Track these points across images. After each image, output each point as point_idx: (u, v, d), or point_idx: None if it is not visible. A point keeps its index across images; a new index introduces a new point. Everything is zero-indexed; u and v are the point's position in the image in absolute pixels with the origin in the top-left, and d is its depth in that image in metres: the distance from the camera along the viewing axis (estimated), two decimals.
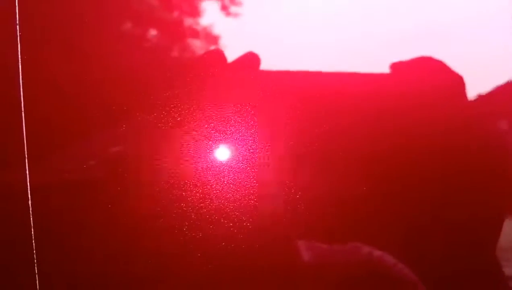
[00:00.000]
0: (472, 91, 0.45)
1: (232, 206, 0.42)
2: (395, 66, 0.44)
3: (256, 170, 0.43)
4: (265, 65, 0.44)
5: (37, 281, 0.42)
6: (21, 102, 0.42)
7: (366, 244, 0.43)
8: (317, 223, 0.43)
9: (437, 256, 0.44)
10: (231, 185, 0.43)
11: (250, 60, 0.44)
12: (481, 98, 0.45)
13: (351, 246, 0.43)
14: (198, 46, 0.45)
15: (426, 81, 0.45)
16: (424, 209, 0.44)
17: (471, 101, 0.44)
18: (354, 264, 0.43)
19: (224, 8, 0.45)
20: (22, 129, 0.42)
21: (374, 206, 0.43)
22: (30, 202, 0.42)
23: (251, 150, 0.43)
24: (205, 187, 0.43)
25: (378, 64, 0.44)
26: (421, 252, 0.43)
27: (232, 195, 0.43)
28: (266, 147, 0.43)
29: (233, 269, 0.42)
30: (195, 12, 0.46)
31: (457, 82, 0.44)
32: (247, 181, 0.43)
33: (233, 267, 0.42)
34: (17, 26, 0.42)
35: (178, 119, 0.43)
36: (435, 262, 0.44)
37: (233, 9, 0.45)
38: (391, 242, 0.43)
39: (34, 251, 0.42)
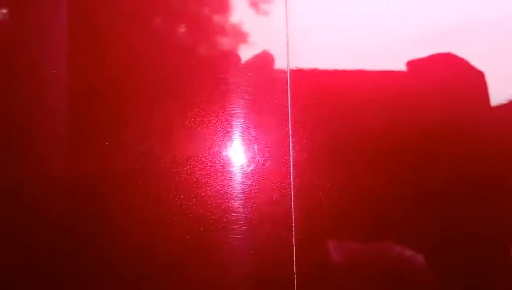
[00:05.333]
0: (497, 93, 0.45)
1: (262, 204, 0.42)
2: (415, 64, 0.44)
3: (284, 170, 0.42)
4: (293, 63, 0.44)
5: None
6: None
7: (397, 244, 0.42)
8: (349, 222, 0.42)
9: (466, 256, 0.43)
10: (261, 185, 0.42)
11: (265, 59, 0.44)
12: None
13: (382, 245, 0.42)
14: (226, 43, 0.45)
15: (448, 78, 0.45)
16: (453, 210, 0.43)
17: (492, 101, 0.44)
18: (385, 264, 0.42)
19: (254, 5, 0.45)
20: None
21: (405, 205, 0.43)
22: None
23: (278, 150, 0.43)
24: (231, 184, 0.42)
25: (400, 62, 0.45)
26: (451, 251, 0.43)
27: (259, 193, 0.42)
28: (293, 146, 0.43)
29: (275, 267, 0.42)
30: (225, 9, 0.46)
31: (479, 79, 0.44)
32: (277, 181, 0.42)
33: (274, 265, 0.42)
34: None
35: (205, 116, 0.43)
36: (464, 262, 0.43)
37: (262, 6, 0.45)
38: (422, 241, 0.43)
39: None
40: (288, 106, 0.43)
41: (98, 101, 0.43)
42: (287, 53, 0.43)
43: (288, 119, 0.43)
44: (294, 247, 0.41)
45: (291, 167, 0.42)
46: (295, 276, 0.41)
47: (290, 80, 0.43)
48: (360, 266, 0.42)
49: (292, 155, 0.42)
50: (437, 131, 0.44)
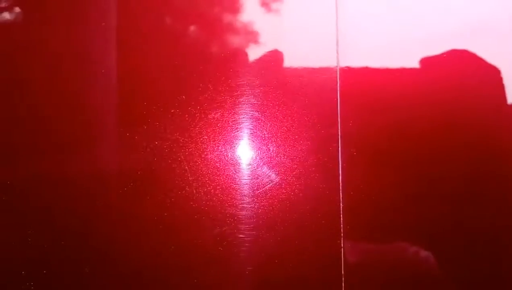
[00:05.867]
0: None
1: (278, 204, 0.41)
2: (430, 61, 0.44)
3: (302, 169, 0.42)
4: (304, 62, 0.44)
5: None
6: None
7: (412, 244, 0.42)
8: (364, 223, 0.42)
9: (482, 257, 0.43)
10: (276, 184, 0.42)
11: (275, 57, 0.43)
12: None
13: (397, 246, 0.42)
14: (237, 42, 0.45)
15: (463, 75, 0.44)
16: (470, 210, 0.43)
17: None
18: (400, 264, 0.42)
19: (265, 4, 0.45)
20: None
21: (421, 206, 0.42)
22: None
23: (297, 149, 0.42)
24: (247, 183, 0.42)
25: (416, 60, 0.44)
26: (467, 252, 0.43)
27: (278, 193, 0.42)
28: (311, 147, 0.42)
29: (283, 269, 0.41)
30: (235, 8, 0.45)
31: (495, 75, 0.44)
32: (294, 180, 0.42)
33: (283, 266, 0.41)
34: None
35: (215, 115, 0.42)
36: (480, 263, 0.43)
37: (273, 5, 0.45)
38: (438, 242, 0.42)
39: None
40: (337, 105, 0.42)
41: (110, 100, 0.42)
42: (337, 51, 0.43)
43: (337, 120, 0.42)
44: (342, 249, 0.41)
45: (340, 169, 0.42)
46: (342, 279, 0.41)
47: (339, 79, 0.43)
48: (376, 266, 0.42)
49: (340, 156, 0.42)
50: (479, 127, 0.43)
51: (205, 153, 0.42)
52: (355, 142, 0.42)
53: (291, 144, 0.42)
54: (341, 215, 0.41)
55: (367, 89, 0.43)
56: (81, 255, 0.40)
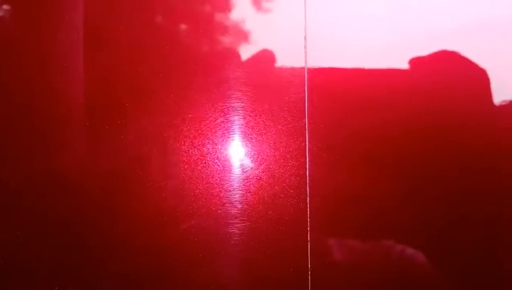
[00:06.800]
0: (500, 92, 0.45)
1: (256, 203, 0.42)
2: (417, 62, 0.44)
3: (286, 168, 0.42)
4: (295, 61, 0.44)
5: None
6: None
7: (398, 243, 0.43)
8: (350, 221, 0.43)
9: (468, 254, 0.43)
10: (258, 182, 0.42)
11: (266, 57, 0.43)
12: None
13: (383, 244, 0.42)
14: (228, 41, 0.45)
15: (450, 76, 0.45)
16: (456, 208, 0.43)
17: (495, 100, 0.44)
18: (387, 262, 0.42)
19: (256, 2, 0.45)
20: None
21: (406, 204, 0.43)
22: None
23: (279, 149, 0.43)
24: (229, 182, 0.42)
25: (403, 60, 0.45)
26: (453, 250, 0.43)
27: (258, 192, 0.42)
28: (295, 145, 0.43)
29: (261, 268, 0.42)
30: (226, 7, 0.45)
31: (482, 77, 0.44)
32: (278, 178, 0.42)
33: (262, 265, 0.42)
34: None
35: (207, 114, 0.43)
36: (466, 260, 0.43)
37: (264, 4, 0.45)
38: (423, 240, 0.43)
39: None
40: (305, 104, 0.42)
41: (98, 100, 0.43)
42: (305, 51, 0.43)
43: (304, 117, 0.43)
44: (309, 244, 0.42)
45: (307, 164, 0.42)
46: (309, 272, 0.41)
47: (308, 78, 0.43)
48: (361, 265, 0.42)
49: (308, 153, 0.42)
50: (448, 130, 0.44)
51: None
52: (322, 137, 0.43)
53: (260, 138, 0.43)
54: (308, 210, 0.42)
55: (335, 86, 0.43)
56: (60, 256, 0.41)
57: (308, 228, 0.42)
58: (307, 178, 0.42)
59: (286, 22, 0.44)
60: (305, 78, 0.43)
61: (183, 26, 0.45)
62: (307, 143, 0.42)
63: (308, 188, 0.42)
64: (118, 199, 0.42)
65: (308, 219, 0.42)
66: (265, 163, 0.42)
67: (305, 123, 0.42)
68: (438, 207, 0.43)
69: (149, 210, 0.42)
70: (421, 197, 0.43)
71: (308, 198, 0.42)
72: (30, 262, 0.42)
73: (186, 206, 0.42)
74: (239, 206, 0.42)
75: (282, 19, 0.45)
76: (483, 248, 0.44)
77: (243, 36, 0.45)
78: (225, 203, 0.42)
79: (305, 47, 0.43)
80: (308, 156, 0.42)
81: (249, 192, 0.42)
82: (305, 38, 0.44)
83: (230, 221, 0.42)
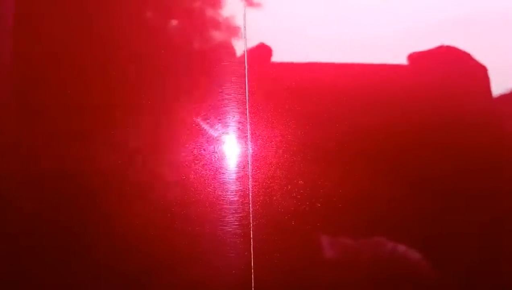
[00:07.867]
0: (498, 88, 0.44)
1: (247, 201, 0.42)
2: (416, 57, 0.44)
3: (278, 166, 0.42)
4: (286, 57, 0.43)
5: None
6: None
7: (390, 240, 0.42)
8: (341, 218, 0.42)
9: (463, 252, 0.43)
10: (250, 181, 0.42)
11: (262, 52, 0.43)
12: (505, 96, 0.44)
13: (375, 241, 0.42)
14: (218, 37, 0.44)
15: (449, 72, 0.44)
16: (448, 205, 0.43)
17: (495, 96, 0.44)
18: (378, 259, 0.42)
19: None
20: None
21: (398, 201, 0.43)
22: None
23: (270, 146, 0.43)
24: (219, 179, 0.42)
25: (401, 56, 0.44)
26: (445, 248, 0.43)
27: (250, 189, 0.42)
28: (286, 143, 0.42)
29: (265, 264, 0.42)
30: (217, 2, 0.45)
31: (481, 73, 0.44)
32: (269, 176, 0.42)
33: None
34: None
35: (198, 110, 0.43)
36: (461, 258, 0.43)
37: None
38: (415, 237, 0.43)
39: None
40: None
41: (91, 98, 0.43)
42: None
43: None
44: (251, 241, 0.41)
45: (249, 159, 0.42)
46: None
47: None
48: (353, 262, 0.42)
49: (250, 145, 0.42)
50: (431, 124, 0.44)
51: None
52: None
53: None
54: (250, 204, 0.42)
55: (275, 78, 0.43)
56: (56, 256, 0.41)
57: (251, 218, 0.41)
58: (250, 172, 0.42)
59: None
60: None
61: (174, 22, 0.45)
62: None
63: (250, 179, 0.42)
64: (115, 199, 0.42)
65: (251, 209, 0.42)
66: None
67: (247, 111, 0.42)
68: (434, 204, 0.43)
69: (147, 210, 0.42)
70: (416, 194, 0.43)
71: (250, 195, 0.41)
72: (29, 262, 0.42)
73: (185, 205, 0.42)
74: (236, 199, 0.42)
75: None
76: (480, 246, 0.44)
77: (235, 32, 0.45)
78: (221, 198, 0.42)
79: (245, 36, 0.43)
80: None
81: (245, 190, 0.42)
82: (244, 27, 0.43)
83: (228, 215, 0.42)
